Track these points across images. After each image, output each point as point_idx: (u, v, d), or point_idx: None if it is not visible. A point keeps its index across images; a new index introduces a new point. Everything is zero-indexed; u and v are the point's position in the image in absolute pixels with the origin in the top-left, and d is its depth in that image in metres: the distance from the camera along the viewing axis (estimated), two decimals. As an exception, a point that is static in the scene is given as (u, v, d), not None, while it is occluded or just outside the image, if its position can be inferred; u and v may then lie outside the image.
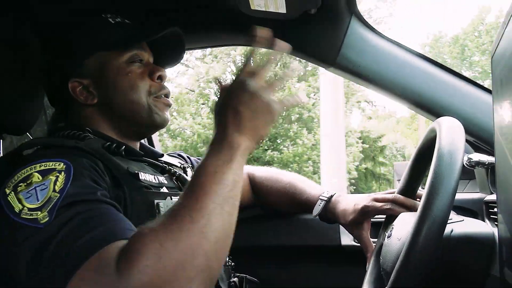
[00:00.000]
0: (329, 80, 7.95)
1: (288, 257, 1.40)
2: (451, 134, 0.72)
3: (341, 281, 1.32)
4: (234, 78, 0.76)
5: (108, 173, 0.80)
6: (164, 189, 0.90)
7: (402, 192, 1.04)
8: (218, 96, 0.76)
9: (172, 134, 12.79)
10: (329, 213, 1.16)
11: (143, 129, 0.98)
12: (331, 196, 1.17)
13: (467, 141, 1.14)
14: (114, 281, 0.55)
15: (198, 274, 0.58)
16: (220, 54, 15.43)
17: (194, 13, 1.27)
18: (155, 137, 1.65)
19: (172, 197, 0.89)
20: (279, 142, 13.81)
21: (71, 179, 0.68)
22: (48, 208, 0.64)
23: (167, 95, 0.99)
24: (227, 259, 1.04)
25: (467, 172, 1.21)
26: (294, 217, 1.37)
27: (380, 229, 1.07)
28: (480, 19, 20.65)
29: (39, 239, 0.62)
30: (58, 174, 0.69)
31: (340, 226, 1.31)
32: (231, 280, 1.04)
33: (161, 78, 0.98)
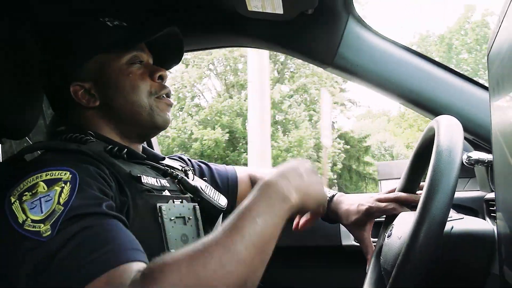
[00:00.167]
0: (255, 89, 8.00)
1: (289, 257, 1.40)
2: (449, 132, 0.72)
3: (341, 281, 1.32)
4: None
5: (113, 177, 0.80)
6: (166, 192, 0.90)
7: (402, 191, 1.04)
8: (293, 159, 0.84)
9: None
10: (331, 213, 1.16)
11: (145, 131, 0.98)
12: (333, 196, 1.17)
13: (466, 139, 1.14)
14: None
15: None
16: (195, 59, 15.48)
17: (190, 14, 1.27)
18: (154, 140, 1.65)
19: (174, 200, 0.89)
20: None
21: (76, 191, 0.68)
22: (52, 221, 0.64)
23: (168, 95, 0.99)
24: None
25: (467, 171, 1.21)
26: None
27: (380, 229, 1.07)
28: (465, 18, 20.71)
29: (41, 253, 0.62)
30: (63, 185, 0.68)
31: (341, 226, 1.31)
32: None
33: (162, 77, 0.98)
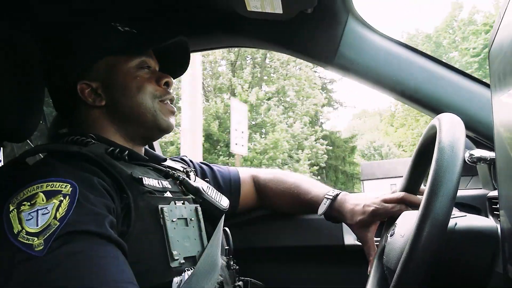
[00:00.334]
0: (189, 92, 7.98)
1: (291, 257, 1.40)
2: (451, 129, 0.71)
3: (344, 281, 1.31)
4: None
5: (115, 182, 0.80)
6: (168, 194, 0.91)
7: (405, 190, 1.04)
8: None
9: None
10: (335, 212, 1.15)
11: (148, 133, 0.99)
12: (337, 195, 1.16)
13: (468, 137, 1.14)
14: None
15: None
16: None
17: (190, 15, 1.27)
18: (156, 142, 1.65)
19: (176, 201, 0.89)
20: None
21: (74, 205, 0.68)
22: (45, 236, 0.64)
23: (172, 100, 1.01)
24: (232, 263, 1.04)
25: (470, 169, 1.21)
26: (297, 218, 1.37)
27: (383, 229, 1.07)
28: (453, 16, 20.75)
29: (31, 268, 0.62)
30: (62, 199, 0.68)
31: (343, 226, 1.30)
32: (236, 284, 1.04)
33: (167, 84, 1.00)
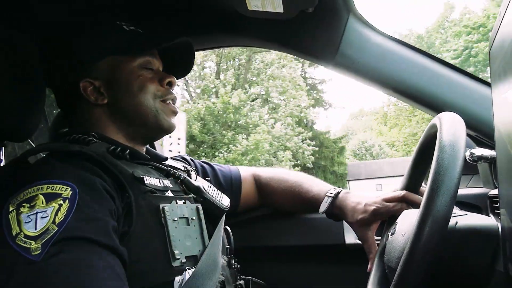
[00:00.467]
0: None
1: (292, 256, 1.40)
2: (452, 127, 0.72)
3: (345, 279, 1.32)
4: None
5: (116, 182, 0.80)
6: (169, 193, 0.91)
7: (405, 189, 1.04)
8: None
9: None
10: (336, 210, 1.16)
11: (150, 133, 0.99)
12: (338, 193, 1.17)
13: (469, 136, 1.14)
14: None
15: None
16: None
17: (191, 14, 1.27)
18: (157, 141, 1.65)
19: (177, 200, 0.89)
20: (217, 148, 13.99)
21: (73, 210, 0.68)
22: (43, 241, 0.64)
23: (173, 101, 1.01)
24: (233, 261, 1.04)
25: (470, 167, 1.21)
26: (298, 217, 1.37)
27: (384, 227, 1.07)
28: (444, 17, 20.77)
29: (27, 273, 0.62)
30: (62, 203, 0.68)
31: (344, 225, 1.31)
32: (237, 283, 1.04)
33: (170, 84, 1.00)
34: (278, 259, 1.41)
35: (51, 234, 0.64)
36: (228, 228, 1.08)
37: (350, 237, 1.31)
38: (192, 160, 1.25)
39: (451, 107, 1.11)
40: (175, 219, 0.85)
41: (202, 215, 0.94)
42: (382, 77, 1.19)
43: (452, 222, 0.74)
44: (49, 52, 1.00)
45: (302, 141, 17.42)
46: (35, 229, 0.65)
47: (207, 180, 1.10)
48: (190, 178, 1.01)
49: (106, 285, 0.64)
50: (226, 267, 1.00)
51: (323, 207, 1.17)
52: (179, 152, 6.49)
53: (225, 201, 1.04)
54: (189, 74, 1.07)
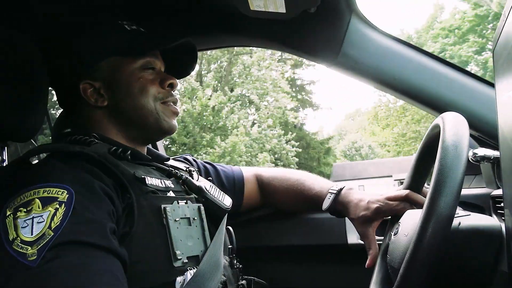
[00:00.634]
0: None
1: (295, 256, 1.40)
2: (455, 127, 0.71)
3: (347, 279, 1.32)
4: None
5: (117, 182, 0.80)
6: (171, 193, 0.91)
7: (408, 189, 1.04)
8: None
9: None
10: (339, 206, 1.16)
11: (150, 134, 0.99)
12: (341, 189, 1.17)
13: (472, 136, 1.14)
14: None
15: None
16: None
17: (192, 15, 1.27)
18: (159, 141, 1.65)
19: (179, 201, 0.89)
20: (196, 150, 14.10)
21: (70, 214, 0.67)
22: (39, 247, 0.63)
23: (174, 102, 1.00)
24: (235, 261, 1.04)
25: (473, 168, 1.20)
26: (301, 217, 1.37)
27: (386, 228, 1.07)
28: (434, 17, 20.77)
29: (23, 279, 0.62)
30: (58, 207, 0.68)
31: (346, 224, 1.31)
32: (239, 283, 1.04)
33: (171, 86, 1.00)
34: (280, 259, 1.41)
35: (47, 239, 0.64)
36: (230, 228, 1.08)
37: (353, 237, 1.31)
38: (194, 160, 1.25)
39: (454, 107, 1.11)
40: (177, 219, 0.85)
41: (203, 215, 0.94)
42: (384, 77, 1.18)
43: (455, 222, 0.74)
44: (49, 52, 1.00)
45: (286, 142, 17.60)
46: (31, 234, 0.65)
47: (209, 180, 1.10)
48: (192, 178, 1.01)
49: (101, 285, 0.64)
50: (228, 267, 1.00)
51: (326, 203, 1.17)
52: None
53: (226, 201, 1.04)
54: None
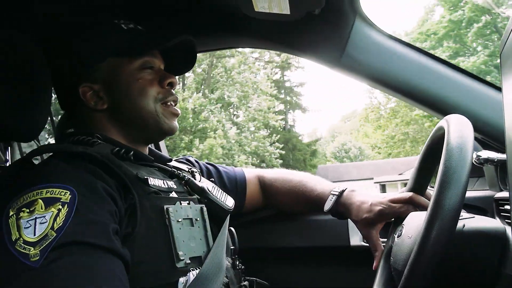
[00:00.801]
0: None
1: (297, 257, 1.40)
2: (459, 129, 0.71)
3: (350, 281, 1.31)
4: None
5: (120, 183, 0.80)
6: (174, 194, 0.90)
7: (412, 191, 1.03)
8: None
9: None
10: (341, 207, 1.16)
11: (151, 135, 0.99)
12: (343, 191, 1.17)
13: (475, 138, 1.14)
14: None
15: None
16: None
17: (196, 16, 1.27)
18: (162, 142, 1.65)
19: (182, 202, 0.89)
20: (175, 153, 14.23)
21: (72, 215, 0.67)
22: (42, 247, 0.63)
23: (175, 101, 1.00)
24: (237, 262, 1.04)
25: (476, 170, 1.20)
26: (303, 218, 1.37)
27: (390, 230, 1.06)
28: (424, 20, 20.86)
29: (25, 279, 0.61)
30: (60, 207, 0.68)
31: (349, 226, 1.30)
32: (242, 284, 1.04)
33: (171, 84, 0.99)
34: (282, 260, 1.41)
35: (50, 240, 0.64)
36: (232, 229, 1.08)
37: (355, 239, 1.30)
38: (196, 161, 1.25)
39: (458, 109, 1.11)
40: (179, 220, 0.85)
41: (206, 216, 0.93)
42: (388, 79, 1.18)
43: (459, 224, 0.74)
44: (49, 52, 1.00)
45: (270, 145, 17.72)
46: (34, 234, 0.65)
47: (212, 181, 1.10)
48: (195, 179, 1.01)
49: (103, 286, 0.64)
50: (230, 268, 1.00)
51: (327, 205, 1.17)
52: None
53: (229, 202, 1.04)
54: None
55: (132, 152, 0.90)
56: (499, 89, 1.12)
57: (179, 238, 0.83)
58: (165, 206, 0.83)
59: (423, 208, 0.99)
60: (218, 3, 1.20)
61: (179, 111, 1.01)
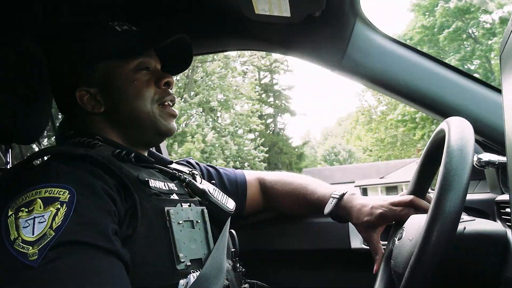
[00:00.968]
0: None
1: (298, 260, 1.40)
2: (460, 131, 0.71)
3: (351, 284, 1.31)
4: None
5: (120, 184, 0.80)
6: (174, 196, 0.90)
7: (412, 194, 1.03)
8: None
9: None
10: (341, 210, 1.15)
11: (149, 138, 0.99)
12: (343, 194, 1.16)
13: (476, 141, 1.13)
14: None
15: None
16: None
17: (197, 18, 1.27)
18: (162, 144, 1.65)
19: (182, 203, 0.89)
20: None
21: (71, 214, 0.67)
22: (40, 246, 0.63)
23: (172, 101, 1.00)
24: (238, 265, 1.04)
25: (477, 173, 1.20)
26: (304, 221, 1.37)
27: (390, 233, 1.06)
28: (414, 23, 20.93)
29: (23, 279, 0.62)
30: (59, 207, 0.68)
31: (350, 229, 1.30)
32: (242, 286, 1.04)
33: (168, 84, 0.98)
34: (283, 263, 1.40)
35: (48, 239, 0.64)
36: (233, 231, 1.07)
37: (356, 242, 1.30)
38: (197, 163, 1.25)
39: (459, 112, 1.11)
40: (180, 222, 0.85)
41: (207, 218, 0.93)
42: (389, 81, 1.18)
43: (460, 227, 0.74)
44: (49, 53, 0.99)
45: (255, 148, 17.83)
46: (33, 234, 0.65)
47: (213, 183, 1.10)
48: (195, 181, 1.01)
49: (102, 285, 0.64)
50: (231, 270, 0.99)
51: (328, 208, 1.16)
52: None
53: (230, 204, 1.04)
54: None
55: (133, 154, 0.90)
56: (499, 91, 1.11)
57: (179, 240, 0.83)
58: (166, 208, 0.83)
59: (424, 211, 0.99)
60: (218, 3, 1.20)
61: (177, 112, 1.01)
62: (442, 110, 1.15)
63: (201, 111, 17.13)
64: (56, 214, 0.67)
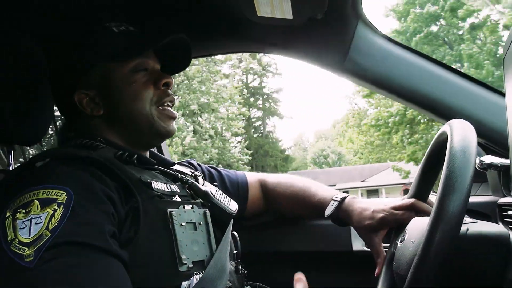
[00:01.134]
0: None
1: (299, 262, 1.39)
2: (462, 133, 0.71)
3: (352, 286, 1.31)
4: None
5: (121, 186, 0.79)
6: (177, 198, 0.90)
7: (414, 197, 1.03)
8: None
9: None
10: (342, 214, 1.15)
11: (148, 139, 0.99)
12: (344, 198, 1.16)
13: (478, 143, 1.13)
14: None
15: None
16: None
17: (199, 20, 1.27)
18: (164, 146, 1.65)
19: (185, 205, 0.89)
20: None
21: (68, 215, 0.67)
22: (36, 248, 0.64)
23: (171, 101, 0.99)
24: (240, 267, 1.04)
25: (479, 175, 1.20)
26: (306, 223, 1.37)
27: (392, 236, 1.06)
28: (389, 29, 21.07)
29: (19, 280, 0.62)
30: (56, 208, 0.68)
31: (352, 231, 1.30)
32: None
33: (167, 84, 0.98)
34: (285, 265, 1.39)
35: (44, 240, 0.64)
36: (235, 233, 1.07)
37: (358, 244, 1.30)
38: (199, 165, 1.25)
39: (461, 114, 1.11)
40: (183, 223, 0.85)
41: (209, 220, 0.93)
42: (391, 83, 1.18)
43: (463, 228, 0.73)
44: (49, 53, 0.99)
45: (240, 151, 17.90)
46: (29, 235, 0.65)
47: (214, 185, 1.10)
48: (198, 183, 1.01)
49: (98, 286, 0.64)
50: (233, 272, 0.99)
51: (328, 210, 1.16)
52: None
53: (232, 206, 1.04)
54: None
55: (135, 156, 0.90)
56: (502, 94, 1.11)
57: (182, 242, 0.83)
58: (169, 210, 0.83)
59: (425, 214, 0.99)
60: (218, 4, 1.20)
61: (176, 114, 1.00)
62: (444, 112, 1.15)
63: (180, 114, 17.22)
64: (52, 215, 0.67)
